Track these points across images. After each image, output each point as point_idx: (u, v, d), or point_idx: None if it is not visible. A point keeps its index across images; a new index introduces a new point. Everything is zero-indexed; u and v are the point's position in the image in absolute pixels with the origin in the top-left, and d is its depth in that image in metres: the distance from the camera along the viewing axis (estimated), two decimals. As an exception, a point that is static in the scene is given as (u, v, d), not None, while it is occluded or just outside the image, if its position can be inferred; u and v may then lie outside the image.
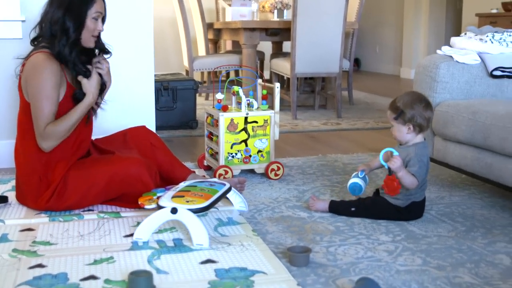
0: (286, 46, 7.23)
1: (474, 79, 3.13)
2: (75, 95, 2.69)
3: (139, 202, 2.56)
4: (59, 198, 2.66)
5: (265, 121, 3.33)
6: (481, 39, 3.19)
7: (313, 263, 2.15)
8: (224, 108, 3.30)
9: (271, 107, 3.41)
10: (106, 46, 2.83)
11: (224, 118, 3.25)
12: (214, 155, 3.40)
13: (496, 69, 3.10)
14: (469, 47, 3.18)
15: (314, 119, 5.47)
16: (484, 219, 2.68)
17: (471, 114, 2.84)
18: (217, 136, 3.28)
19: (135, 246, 2.29)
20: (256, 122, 3.31)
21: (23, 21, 3.46)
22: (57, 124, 2.62)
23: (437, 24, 9.66)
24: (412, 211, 2.65)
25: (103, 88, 2.81)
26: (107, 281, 1.98)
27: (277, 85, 3.41)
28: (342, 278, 2.03)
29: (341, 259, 2.20)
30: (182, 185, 2.58)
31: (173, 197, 2.40)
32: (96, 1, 2.69)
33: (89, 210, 2.74)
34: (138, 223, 2.46)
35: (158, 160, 2.95)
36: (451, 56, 3.14)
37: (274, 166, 3.35)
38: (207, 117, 3.44)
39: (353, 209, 2.70)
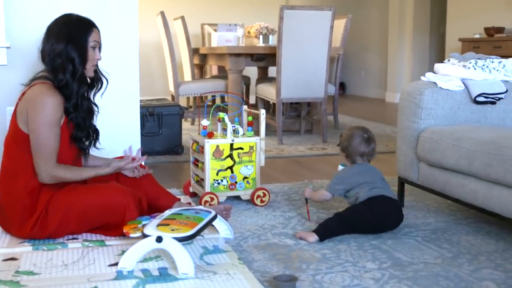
0: (272, 71, 7.27)
1: (458, 105, 3.15)
2: (75, 136, 2.75)
3: (124, 231, 2.54)
4: (42, 226, 2.64)
5: (251, 147, 3.33)
6: (464, 66, 3.21)
7: (299, 292, 2.15)
8: (210, 135, 3.29)
9: (257, 133, 3.41)
10: (103, 74, 2.89)
11: (209, 145, 3.24)
12: (200, 181, 3.39)
13: (479, 95, 3.12)
14: (453, 74, 3.20)
15: (300, 144, 5.47)
16: (470, 245, 2.68)
17: (455, 140, 2.85)
18: (203, 163, 3.28)
19: (119, 276, 2.27)
20: (241, 148, 3.31)
21: (8, 47, 3.45)
22: (68, 170, 2.69)
23: (421, 49, 9.76)
24: (373, 206, 2.80)
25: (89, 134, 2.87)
26: (91, 312, 1.97)
27: (263, 111, 3.42)
28: (328, 307, 2.02)
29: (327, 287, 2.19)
30: (167, 213, 2.56)
31: (158, 225, 2.38)
32: (93, 30, 2.76)
33: (73, 238, 2.71)
34: (123, 252, 2.44)
35: (143, 189, 2.93)
36: (435, 83, 3.15)
37: (260, 193, 3.34)
38: (193, 144, 3.44)
39: (334, 215, 2.85)
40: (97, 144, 2.93)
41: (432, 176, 3.05)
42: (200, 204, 3.19)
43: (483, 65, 3.20)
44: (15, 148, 2.69)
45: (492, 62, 3.22)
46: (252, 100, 8.16)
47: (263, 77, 7.06)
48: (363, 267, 2.40)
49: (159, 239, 2.28)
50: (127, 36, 3.66)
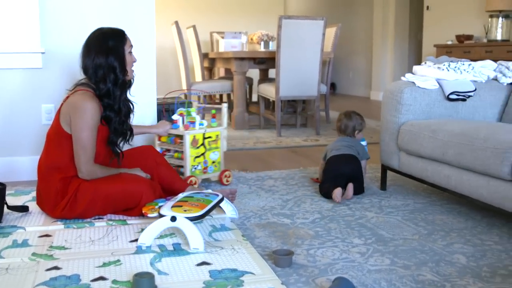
0: (272, 72, 7.23)
1: (434, 102, 3.13)
2: (110, 140, 2.72)
3: (143, 211, 2.53)
4: (71, 208, 2.63)
5: (217, 136, 3.43)
6: (439, 67, 3.18)
7: (295, 264, 2.13)
8: (186, 127, 3.30)
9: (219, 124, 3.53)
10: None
11: (189, 136, 3.27)
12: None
13: (452, 93, 3.10)
14: (429, 74, 3.17)
15: (296, 136, 5.44)
16: (443, 223, 2.67)
17: (431, 132, 2.83)
18: (180, 152, 3.32)
19: (139, 250, 2.26)
20: (210, 137, 3.39)
21: (43, 53, 3.43)
22: (103, 170, 2.67)
23: (401, 53, 9.71)
24: (327, 163, 3.27)
25: (126, 135, 2.82)
26: (114, 281, 1.95)
27: (225, 105, 3.57)
28: (320, 278, 2.01)
29: (319, 261, 2.18)
30: (180, 196, 2.55)
31: (172, 206, 2.37)
32: (126, 38, 2.74)
33: (99, 218, 2.70)
34: (142, 230, 2.43)
35: (161, 175, 2.92)
36: (413, 82, 3.13)
37: (227, 173, 3.46)
38: (160, 137, 3.40)
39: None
40: (130, 141, 2.88)
41: (410, 163, 3.03)
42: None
43: (455, 67, 3.17)
44: (56, 142, 2.67)
45: (463, 64, 3.19)
46: (254, 98, 8.14)
47: (264, 78, 7.02)
48: (350, 242, 2.39)
49: (173, 219, 2.27)
50: (146, 42, 3.63)
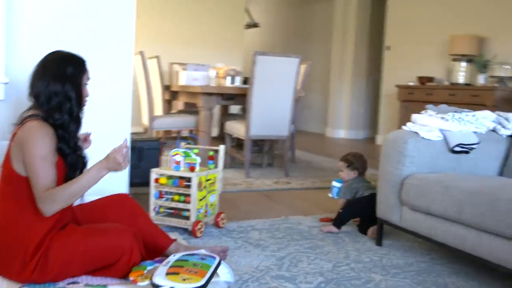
0: (233, 108, 6.97)
1: (438, 154, 2.91)
2: (69, 177, 2.28)
3: (131, 278, 2.15)
4: (42, 270, 2.18)
5: (215, 178, 3.29)
6: (442, 117, 2.99)
7: None
8: (192, 169, 3.09)
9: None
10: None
11: (197, 178, 3.06)
12: (174, 213, 3.20)
13: (457, 145, 2.90)
14: (432, 124, 2.96)
15: (265, 178, 5.11)
16: (456, 288, 2.43)
17: (443, 188, 2.59)
18: (183, 195, 3.10)
19: (130, 328, 1.89)
20: (210, 179, 3.21)
21: (6, 83, 3.02)
22: (56, 189, 2.18)
23: (359, 91, 9.66)
24: (368, 199, 3.29)
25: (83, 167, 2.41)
26: None
27: (222, 147, 3.38)
28: None
29: None
30: (172, 259, 2.19)
31: (167, 274, 2.02)
32: (87, 68, 2.35)
33: (73, 282, 2.28)
34: (129, 299, 2.06)
35: (141, 229, 2.51)
36: (416, 132, 2.91)
37: (222, 216, 3.30)
38: (158, 179, 3.14)
39: (340, 210, 3.35)
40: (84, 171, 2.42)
41: (416, 220, 2.77)
42: (194, 232, 3.01)
43: (459, 118, 2.98)
44: (13, 193, 2.23)
45: (467, 115, 3.01)
46: (214, 133, 7.81)
47: (226, 113, 6.73)
48: (369, 316, 2.11)
49: (172, 291, 1.92)
50: (122, 72, 3.30)
